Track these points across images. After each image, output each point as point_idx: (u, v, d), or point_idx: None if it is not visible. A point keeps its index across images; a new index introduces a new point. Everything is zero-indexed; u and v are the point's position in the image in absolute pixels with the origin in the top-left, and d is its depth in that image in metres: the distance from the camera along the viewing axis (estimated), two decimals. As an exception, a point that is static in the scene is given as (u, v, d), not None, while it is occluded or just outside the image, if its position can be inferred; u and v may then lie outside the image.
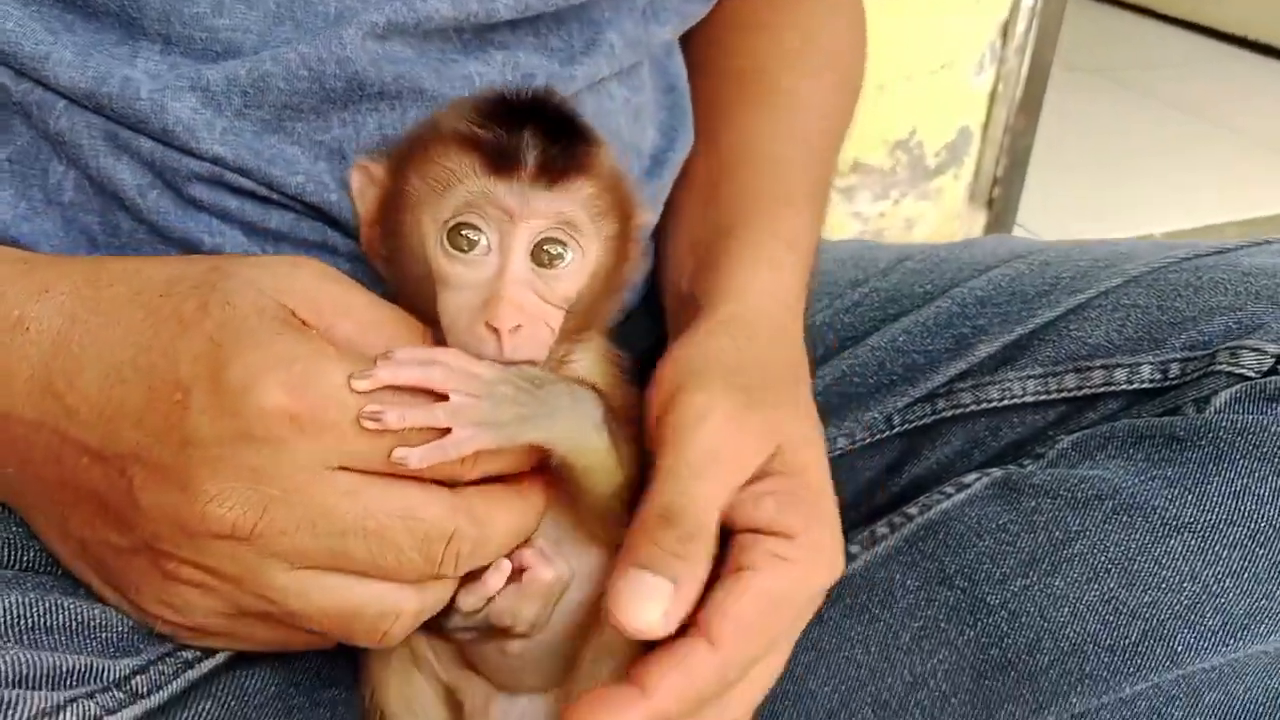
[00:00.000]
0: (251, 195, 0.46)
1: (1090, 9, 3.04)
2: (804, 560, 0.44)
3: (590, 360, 0.45)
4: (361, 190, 0.44)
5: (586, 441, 0.41)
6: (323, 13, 0.45)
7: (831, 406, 0.63)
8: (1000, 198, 1.37)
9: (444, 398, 0.37)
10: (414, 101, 0.47)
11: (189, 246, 0.46)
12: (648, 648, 0.41)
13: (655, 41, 0.58)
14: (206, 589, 0.39)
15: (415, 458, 0.37)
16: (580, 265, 0.41)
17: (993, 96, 1.34)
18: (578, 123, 0.42)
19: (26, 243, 0.45)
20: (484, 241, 0.40)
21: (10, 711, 0.34)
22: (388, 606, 0.40)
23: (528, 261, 0.40)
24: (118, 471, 0.38)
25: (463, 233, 0.40)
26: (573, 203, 0.40)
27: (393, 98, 0.47)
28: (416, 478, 0.39)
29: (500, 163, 0.40)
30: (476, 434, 0.38)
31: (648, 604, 0.40)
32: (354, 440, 0.37)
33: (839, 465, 0.63)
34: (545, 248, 0.40)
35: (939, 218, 1.40)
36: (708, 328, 0.51)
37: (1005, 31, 1.28)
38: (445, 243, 0.40)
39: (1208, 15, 2.79)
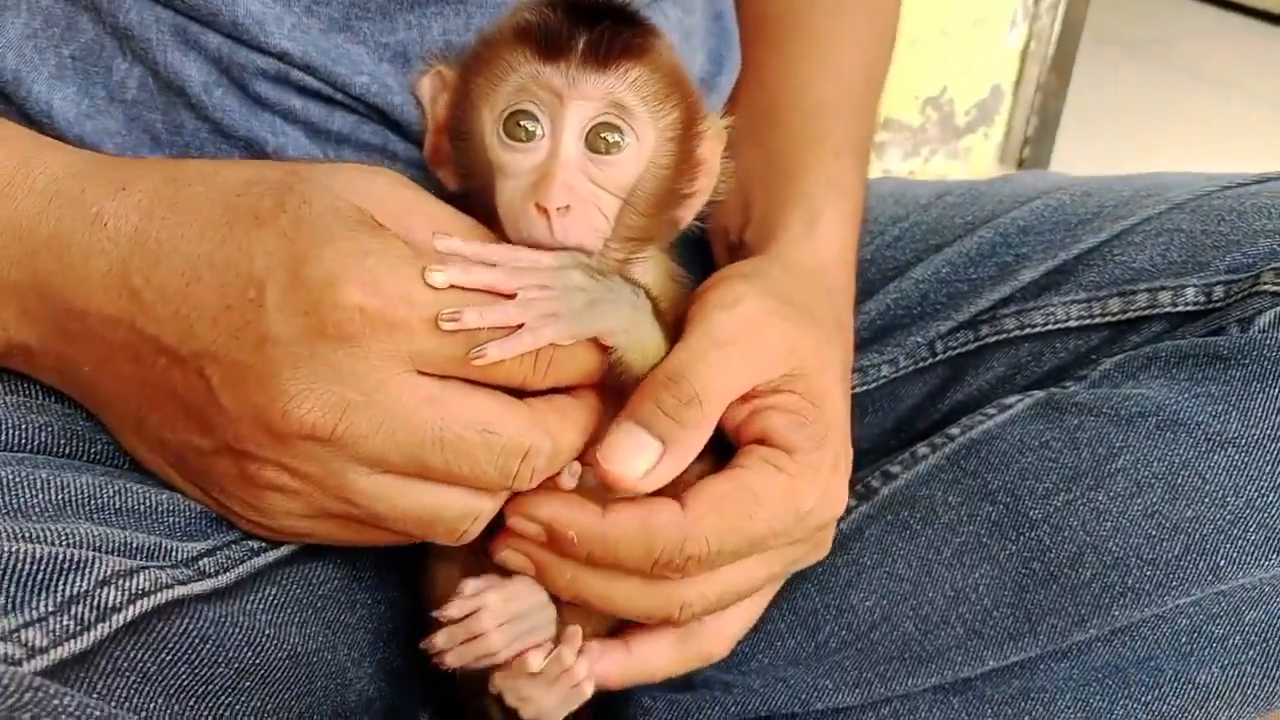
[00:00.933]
0: (316, 95, 0.46)
1: None
2: (796, 476, 0.44)
3: (652, 274, 0.46)
4: (434, 96, 0.44)
5: (646, 335, 0.41)
6: None
7: (876, 336, 0.63)
8: (1030, 158, 1.37)
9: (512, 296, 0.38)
10: (479, 6, 0.47)
11: (252, 146, 0.46)
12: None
13: None
14: (289, 492, 0.39)
15: (494, 350, 0.38)
16: (637, 153, 0.41)
17: (1025, 55, 1.33)
18: (633, 13, 0.42)
19: (90, 141, 0.46)
20: (538, 130, 0.41)
21: (85, 569, 0.35)
22: (468, 509, 0.40)
23: (580, 145, 0.41)
24: (195, 372, 0.38)
25: (519, 122, 0.41)
26: (623, 85, 0.41)
27: (458, 1, 0.47)
28: (491, 388, 0.39)
29: (549, 46, 0.40)
30: (550, 324, 0.38)
31: (634, 458, 0.41)
32: (426, 338, 0.37)
33: (882, 392, 0.64)
34: (601, 134, 0.41)
35: (968, 175, 1.39)
36: (762, 260, 0.52)
37: None
38: (502, 132, 0.41)
39: None
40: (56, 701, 0.30)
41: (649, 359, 0.42)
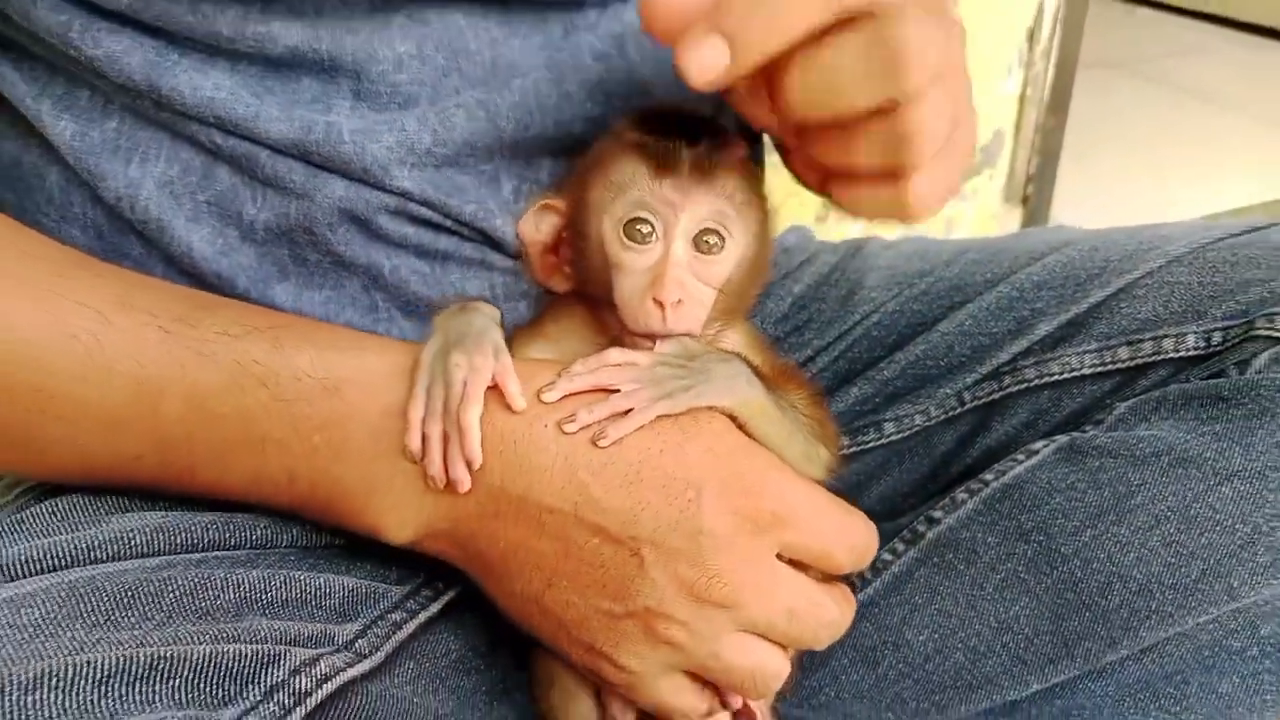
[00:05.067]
0: (427, 223, 0.52)
1: (1108, 7, 3.10)
2: None
3: (738, 339, 0.52)
4: (537, 222, 0.51)
5: (743, 394, 0.48)
6: (481, 63, 0.51)
7: (909, 387, 0.69)
8: (1034, 195, 1.40)
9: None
10: (558, 141, 0.54)
11: (370, 272, 0.52)
12: None
13: None
14: (677, 645, 0.47)
15: (613, 430, 0.45)
16: (732, 252, 0.48)
17: (1022, 99, 1.36)
18: (722, 127, 0.49)
19: (225, 275, 0.51)
20: (653, 235, 0.47)
21: (279, 662, 0.41)
22: (781, 668, 0.49)
23: (689, 248, 0.47)
24: (630, 551, 0.46)
25: (636, 227, 0.47)
26: (723, 196, 0.47)
27: (538, 133, 0.53)
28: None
29: (661, 164, 0.47)
30: (652, 405, 0.45)
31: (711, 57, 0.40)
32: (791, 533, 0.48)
33: (918, 439, 0.69)
34: (705, 238, 0.47)
35: (977, 217, 1.42)
36: None
37: (1031, 37, 1.31)
38: (622, 236, 0.47)
39: (1220, 5, 2.82)
40: None
41: (761, 409, 0.48)
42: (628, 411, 0.45)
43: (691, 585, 0.46)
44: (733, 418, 0.47)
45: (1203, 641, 0.59)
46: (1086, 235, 0.72)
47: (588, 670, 0.50)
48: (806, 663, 0.56)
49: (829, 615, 0.50)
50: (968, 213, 1.39)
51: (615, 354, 0.46)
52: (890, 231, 0.78)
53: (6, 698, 0.35)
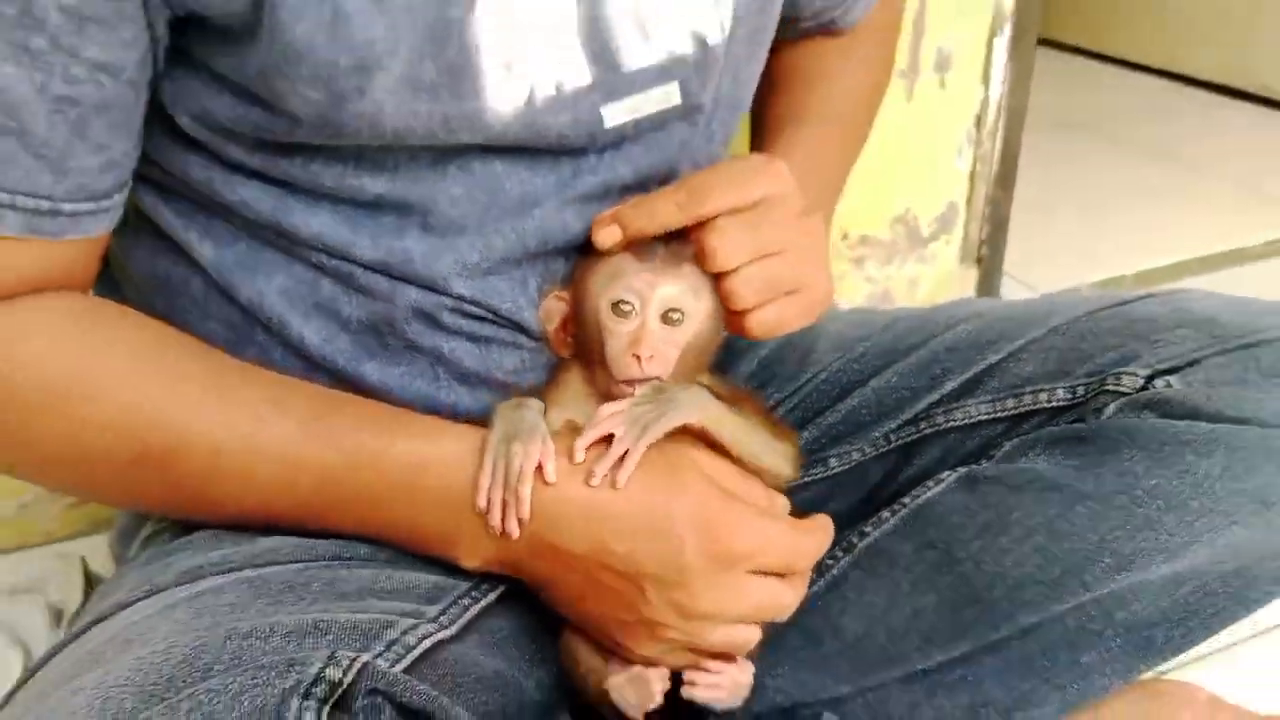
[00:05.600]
0: (475, 317, 0.67)
1: (1076, 64, 3.15)
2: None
3: (704, 383, 0.68)
4: (551, 310, 0.67)
5: (707, 411, 0.64)
6: (512, 198, 0.66)
7: (848, 430, 0.85)
8: (987, 257, 1.53)
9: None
10: (567, 249, 0.70)
11: (435, 353, 0.67)
12: None
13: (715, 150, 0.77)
14: (669, 640, 0.65)
15: (621, 476, 0.61)
16: (690, 325, 0.64)
17: (973, 175, 1.48)
18: (683, 233, 0.65)
19: (329, 357, 0.66)
20: (633, 310, 0.64)
21: (394, 627, 0.57)
22: (750, 638, 0.67)
23: (659, 320, 0.64)
24: (634, 585, 0.63)
25: (621, 305, 0.64)
26: (684, 283, 0.64)
27: (554, 246, 0.69)
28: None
29: (641, 258, 0.64)
30: (640, 442, 0.61)
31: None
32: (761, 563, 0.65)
33: (856, 472, 0.85)
34: (670, 314, 0.64)
35: (936, 277, 1.54)
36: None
37: (979, 122, 1.45)
38: (611, 312, 0.64)
39: (1167, 60, 2.89)
40: (405, 683, 0.52)
41: (725, 421, 0.65)
42: (625, 455, 0.61)
43: (680, 606, 0.63)
44: (703, 431, 0.64)
45: (1068, 625, 0.74)
46: (991, 307, 0.89)
47: (607, 647, 0.68)
48: (766, 643, 0.73)
49: (786, 600, 0.67)
50: (928, 273, 1.53)
51: (606, 408, 0.63)
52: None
53: (230, 642, 0.52)
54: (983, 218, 1.52)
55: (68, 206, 0.58)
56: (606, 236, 0.65)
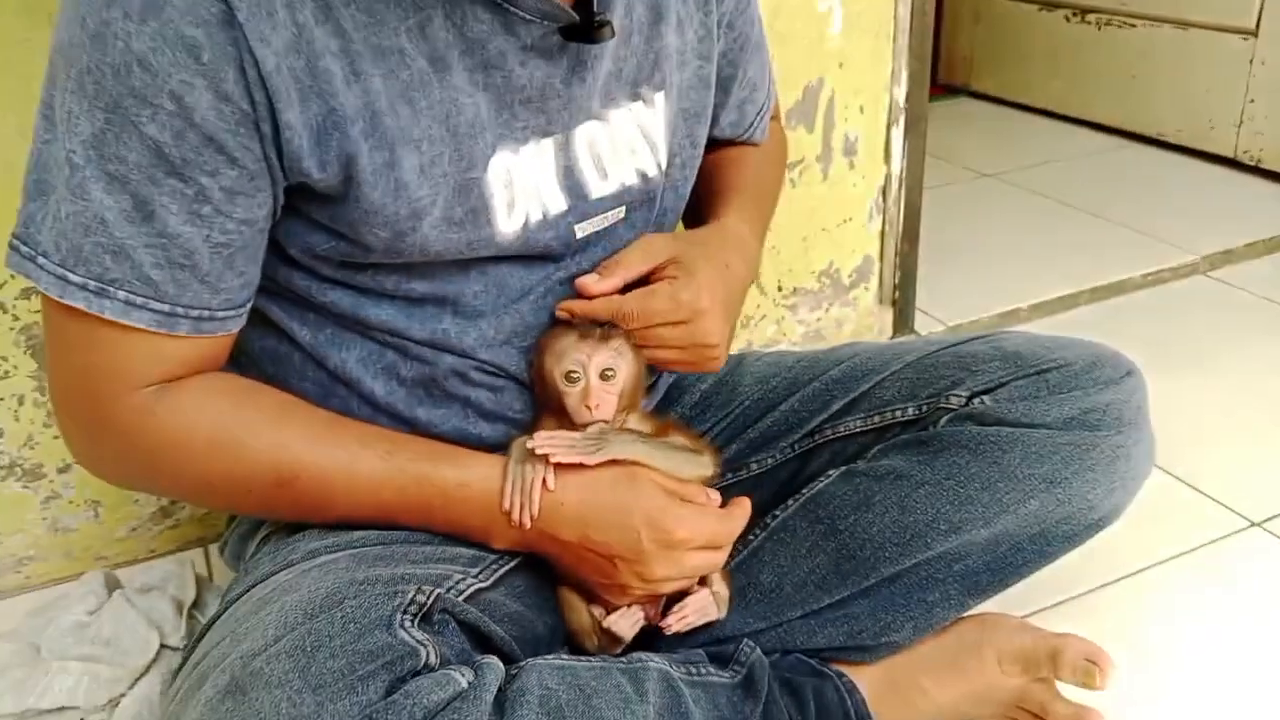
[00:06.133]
0: (493, 373, 0.95)
1: (982, 109, 3.32)
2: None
3: (635, 418, 0.96)
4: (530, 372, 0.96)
5: (629, 449, 0.91)
6: (515, 289, 0.93)
7: (764, 443, 1.13)
8: (900, 299, 1.74)
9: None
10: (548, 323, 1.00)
11: (465, 401, 0.95)
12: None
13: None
14: (634, 592, 0.90)
15: (561, 455, 0.89)
16: (621, 378, 0.91)
17: (883, 234, 1.69)
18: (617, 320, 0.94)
19: (391, 403, 0.93)
20: (579, 376, 0.91)
21: (450, 578, 0.85)
22: (695, 575, 0.95)
23: (599, 377, 0.91)
24: (609, 562, 0.87)
25: (570, 374, 0.92)
26: (614, 351, 0.91)
27: (542, 322, 0.99)
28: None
29: (582, 339, 0.92)
30: (582, 456, 0.89)
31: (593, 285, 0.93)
32: (695, 544, 0.91)
33: (769, 473, 1.12)
34: (605, 373, 0.91)
35: (858, 317, 1.74)
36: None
37: (884, 193, 1.66)
38: (564, 379, 0.92)
39: (1080, 108, 3.04)
40: (463, 608, 0.81)
41: (648, 456, 0.92)
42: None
43: (641, 575, 0.89)
44: (635, 462, 0.92)
45: (918, 574, 1.01)
46: (866, 348, 1.17)
47: (593, 599, 0.96)
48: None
49: (715, 562, 0.94)
50: (851, 315, 1.72)
51: (561, 433, 0.92)
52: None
53: (352, 586, 0.79)
54: (894, 267, 1.75)
55: (220, 314, 0.81)
56: (562, 315, 0.94)
